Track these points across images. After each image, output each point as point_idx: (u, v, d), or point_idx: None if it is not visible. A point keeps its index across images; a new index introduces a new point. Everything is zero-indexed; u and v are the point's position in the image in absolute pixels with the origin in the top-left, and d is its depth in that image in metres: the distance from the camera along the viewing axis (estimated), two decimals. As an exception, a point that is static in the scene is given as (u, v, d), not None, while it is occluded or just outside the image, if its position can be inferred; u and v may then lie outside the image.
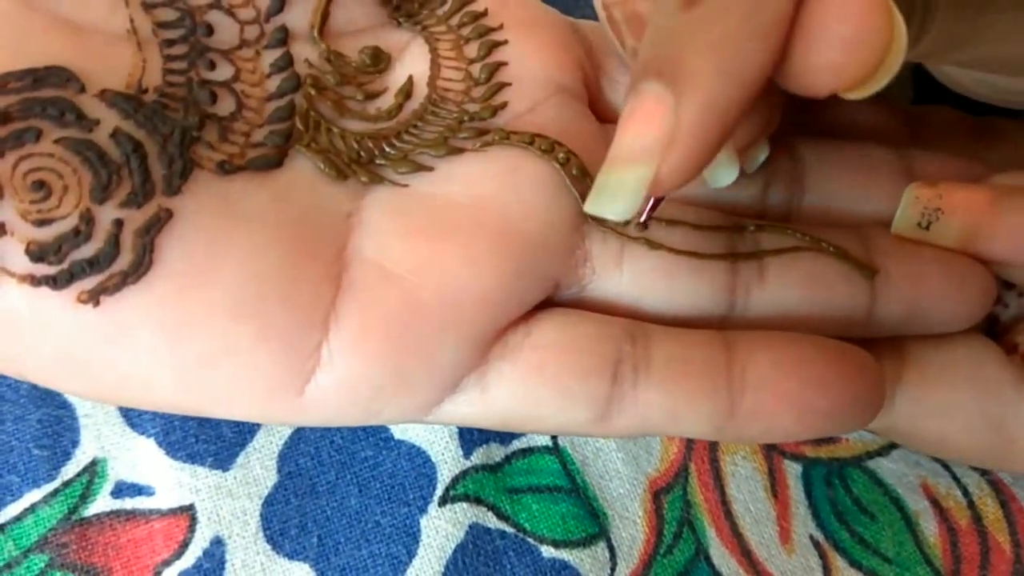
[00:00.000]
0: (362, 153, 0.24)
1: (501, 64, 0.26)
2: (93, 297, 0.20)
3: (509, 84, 0.26)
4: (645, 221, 0.23)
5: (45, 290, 0.19)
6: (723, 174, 0.25)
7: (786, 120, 0.27)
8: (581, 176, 0.25)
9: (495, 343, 0.23)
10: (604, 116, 0.28)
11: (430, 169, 0.24)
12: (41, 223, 0.19)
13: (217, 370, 0.21)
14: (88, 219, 0.20)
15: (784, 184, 0.28)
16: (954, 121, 0.32)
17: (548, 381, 0.23)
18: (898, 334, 0.27)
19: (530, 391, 0.23)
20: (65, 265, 0.20)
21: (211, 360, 0.21)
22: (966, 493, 0.30)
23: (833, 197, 0.28)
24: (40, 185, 0.19)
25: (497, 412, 0.23)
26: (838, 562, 0.28)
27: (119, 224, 0.20)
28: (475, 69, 0.26)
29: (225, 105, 0.22)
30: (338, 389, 0.22)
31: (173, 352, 0.20)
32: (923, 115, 0.32)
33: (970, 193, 0.26)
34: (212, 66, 0.23)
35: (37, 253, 0.19)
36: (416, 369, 0.22)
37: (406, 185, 0.24)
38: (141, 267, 0.20)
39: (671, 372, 0.23)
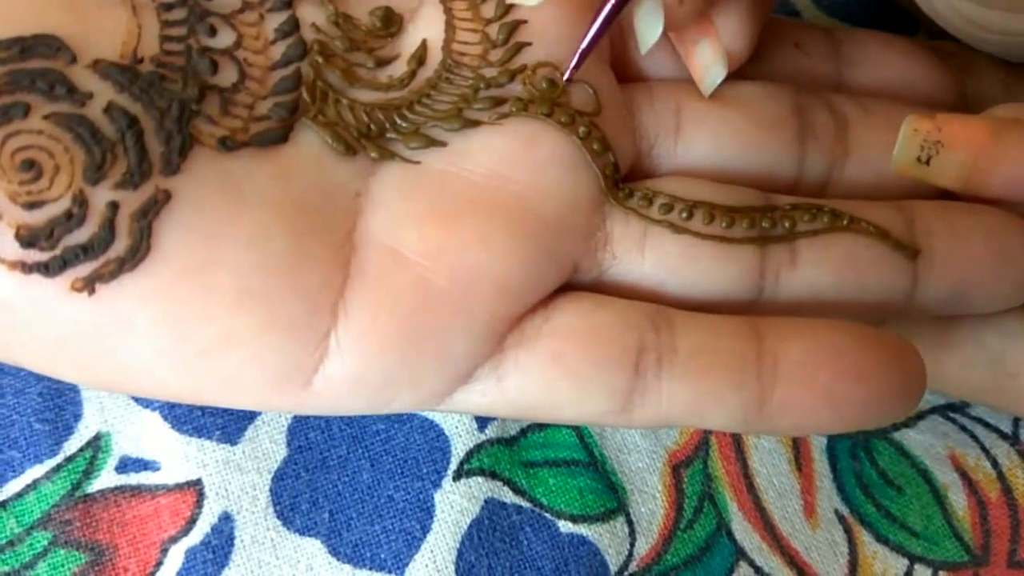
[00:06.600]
0: (372, 126, 0.23)
1: (520, 23, 0.24)
2: (87, 285, 0.19)
3: (529, 44, 0.24)
4: (570, 77, 0.24)
5: (37, 277, 0.19)
6: (648, 23, 0.24)
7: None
8: (602, 151, 0.24)
9: (511, 331, 0.22)
10: (625, 73, 0.27)
11: (443, 144, 0.23)
12: (31, 206, 0.19)
13: (220, 361, 0.20)
14: (81, 201, 0.19)
15: (825, 142, 0.26)
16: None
17: (566, 371, 0.22)
18: (938, 315, 0.26)
19: (548, 381, 0.22)
20: (57, 251, 0.19)
21: (213, 351, 0.20)
22: (995, 464, 0.29)
23: (876, 158, 0.26)
24: (30, 164, 0.19)
25: (513, 402, 0.22)
26: (864, 536, 0.28)
27: (114, 207, 0.19)
28: (492, 30, 0.24)
29: (227, 75, 0.21)
30: (347, 380, 0.21)
31: (173, 342, 0.20)
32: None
33: (970, 124, 0.24)
34: (213, 32, 0.22)
35: (27, 238, 0.19)
36: (429, 359, 0.21)
37: (418, 162, 0.23)
38: (138, 253, 0.19)
39: (697, 363, 0.22)
